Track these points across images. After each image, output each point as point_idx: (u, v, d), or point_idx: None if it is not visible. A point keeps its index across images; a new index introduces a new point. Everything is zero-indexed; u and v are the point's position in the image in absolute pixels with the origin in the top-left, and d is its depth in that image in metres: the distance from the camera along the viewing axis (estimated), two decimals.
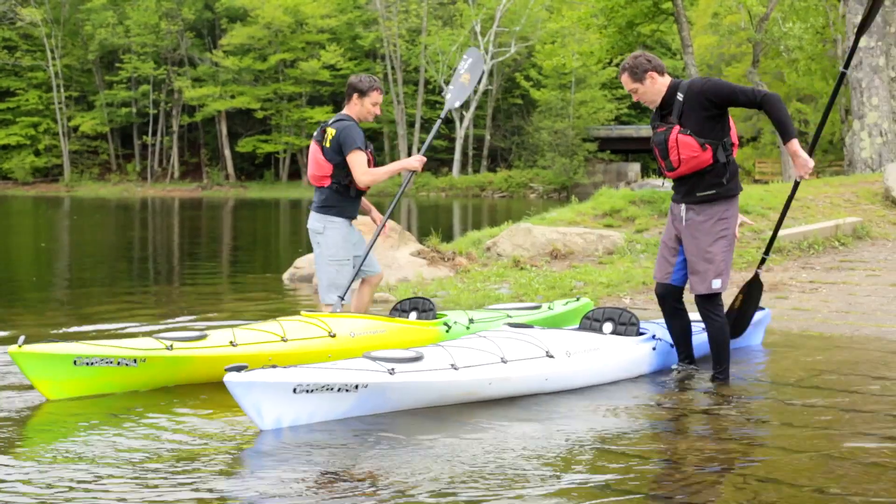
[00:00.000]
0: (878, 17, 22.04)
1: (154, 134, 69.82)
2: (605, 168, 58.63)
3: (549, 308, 8.03)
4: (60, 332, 8.13)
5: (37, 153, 68.24)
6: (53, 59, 67.93)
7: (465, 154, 65.16)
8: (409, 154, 65.11)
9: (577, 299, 8.36)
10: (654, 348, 6.60)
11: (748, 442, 4.87)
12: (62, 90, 68.51)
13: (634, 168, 58.33)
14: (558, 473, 4.36)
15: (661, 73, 6.12)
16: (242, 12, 66.09)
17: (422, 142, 66.55)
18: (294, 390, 5.05)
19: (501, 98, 68.35)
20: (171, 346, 6.13)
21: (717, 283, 6.07)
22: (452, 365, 5.59)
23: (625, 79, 6.14)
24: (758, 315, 7.47)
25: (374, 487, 4.19)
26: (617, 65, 55.85)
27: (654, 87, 6.13)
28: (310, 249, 8.52)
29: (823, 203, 14.63)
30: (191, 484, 4.23)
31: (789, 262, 11.57)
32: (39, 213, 35.37)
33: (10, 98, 68.60)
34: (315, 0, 64.81)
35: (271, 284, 11.94)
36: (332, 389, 5.17)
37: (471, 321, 7.43)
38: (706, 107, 6.00)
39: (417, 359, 5.53)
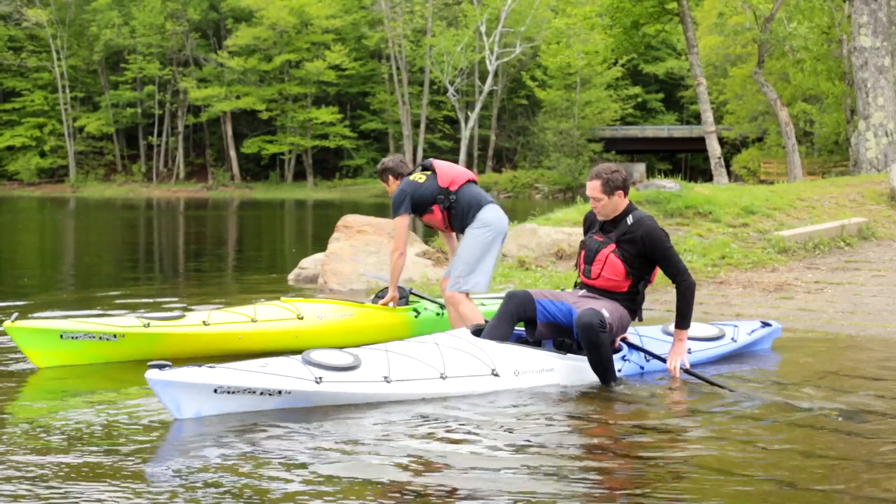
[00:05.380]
0: (884, 17, 22.02)
1: (159, 135, 69.97)
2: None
3: None
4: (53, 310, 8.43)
5: (42, 154, 68.40)
6: (59, 59, 68.07)
7: (470, 154, 65.19)
8: (414, 154, 65.19)
9: None
10: (619, 370, 6.21)
11: (752, 443, 4.86)
12: (67, 91, 68.65)
13: (640, 168, 58.30)
14: (516, 471, 4.37)
15: (626, 193, 6.26)
16: (248, 13, 66.18)
17: (427, 143, 66.60)
18: (215, 391, 5.12)
19: (506, 98, 68.36)
20: (149, 324, 6.74)
21: (605, 314, 6.06)
22: (385, 378, 5.48)
23: (595, 185, 6.20)
24: (764, 330, 7.40)
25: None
26: (623, 64, 56.01)
27: (617, 205, 6.25)
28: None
29: (829, 203, 14.61)
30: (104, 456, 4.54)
31: (794, 263, 11.56)
32: (45, 214, 35.42)
33: (15, 99, 68.78)
34: (320, 0, 64.86)
35: (276, 285, 11.94)
36: (254, 392, 5.20)
37: (441, 307, 7.58)
38: (640, 249, 6.17)
39: (351, 368, 5.45)
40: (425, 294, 8.12)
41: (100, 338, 6.57)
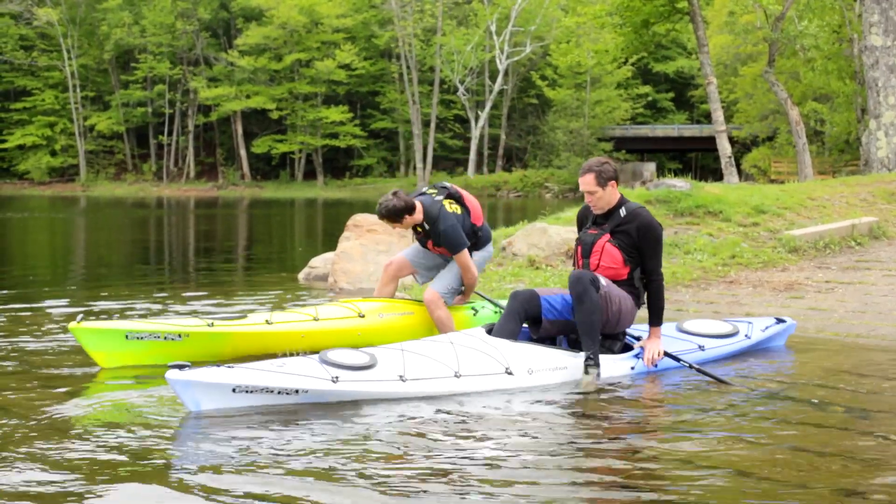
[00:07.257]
0: (895, 15, 21.95)
1: (170, 134, 70.12)
2: (620, 168, 58.24)
3: None
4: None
5: (53, 153, 68.60)
6: (69, 58, 68.25)
7: (480, 154, 65.21)
8: (424, 153, 65.20)
9: None
10: (632, 368, 6.26)
11: (763, 442, 4.86)
12: (78, 90, 68.82)
13: (650, 167, 58.21)
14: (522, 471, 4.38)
15: (618, 182, 6.38)
16: (258, 12, 66.27)
17: (437, 142, 66.61)
18: (234, 390, 5.22)
19: (517, 97, 68.34)
20: (213, 323, 6.80)
21: (602, 280, 6.17)
22: (401, 376, 5.55)
23: (589, 179, 6.28)
24: (779, 327, 7.40)
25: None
26: (633, 64, 55.92)
27: (611, 196, 6.36)
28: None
29: (839, 203, 14.58)
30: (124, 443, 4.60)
31: (805, 262, 11.54)
32: (56, 212, 35.52)
33: (26, 98, 68.98)
34: (330, 0, 64.92)
35: (287, 284, 11.96)
36: (272, 391, 5.29)
37: (498, 306, 7.56)
38: (634, 239, 6.29)
39: (367, 367, 5.52)
40: (485, 294, 8.11)
41: (164, 338, 6.60)
